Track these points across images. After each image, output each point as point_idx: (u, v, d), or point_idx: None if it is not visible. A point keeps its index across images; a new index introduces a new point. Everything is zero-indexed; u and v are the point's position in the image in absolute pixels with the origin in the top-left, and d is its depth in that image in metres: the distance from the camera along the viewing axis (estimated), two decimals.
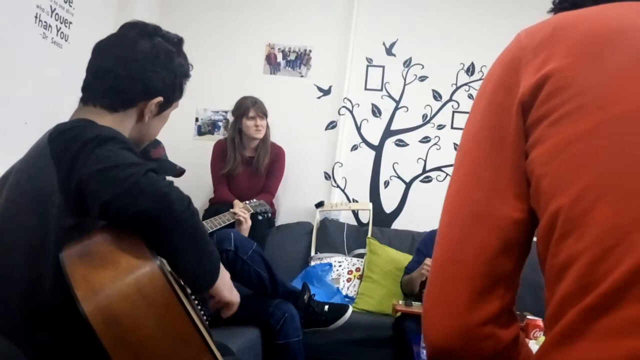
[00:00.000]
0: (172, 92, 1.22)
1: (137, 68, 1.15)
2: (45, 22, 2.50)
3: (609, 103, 0.55)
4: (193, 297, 1.12)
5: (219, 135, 3.53)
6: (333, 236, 3.25)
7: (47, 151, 0.97)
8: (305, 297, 2.33)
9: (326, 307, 2.36)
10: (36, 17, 2.43)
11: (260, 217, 2.81)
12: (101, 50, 1.19)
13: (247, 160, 3.19)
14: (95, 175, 0.88)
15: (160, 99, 1.18)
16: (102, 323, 0.73)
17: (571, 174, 0.55)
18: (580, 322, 0.51)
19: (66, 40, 2.67)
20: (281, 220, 3.40)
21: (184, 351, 0.75)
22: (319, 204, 3.38)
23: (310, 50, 3.58)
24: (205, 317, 1.04)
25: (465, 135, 0.65)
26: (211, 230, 2.34)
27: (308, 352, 2.29)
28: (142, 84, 1.16)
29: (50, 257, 0.84)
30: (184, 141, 3.48)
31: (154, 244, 0.86)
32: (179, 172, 2.25)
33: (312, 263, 3.09)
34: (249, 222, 2.60)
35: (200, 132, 3.61)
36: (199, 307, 1.03)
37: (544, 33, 0.61)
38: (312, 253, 3.18)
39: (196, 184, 3.26)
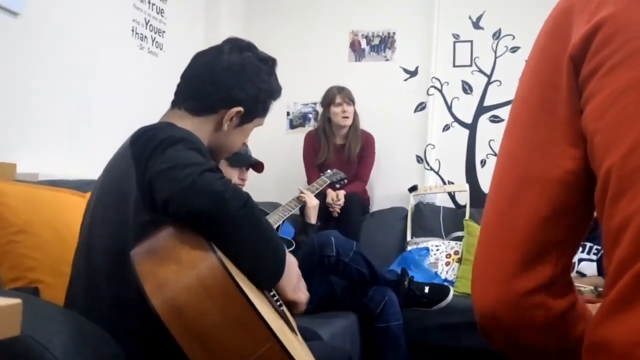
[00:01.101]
0: (254, 105, 1.25)
1: (222, 76, 1.21)
2: (141, 34, 2.68)
3: None
4: None
5: (310, 127, 3.60)
6: (429, 220, 3.20)
7: (129, 152, 1.05)
8: (405, 282, 2.32)
9: (427, 288, 2.35)
10: (133, 30, 2.62)
11: (337, 185, 2.88)
12: (196, 59, 1.27)
13: (339, 148, 3.24)
14: (159, 174, 0.94)
15: (240, 109, 1.22)
16: (168, 314, 0.79)
17: (623, 128, 0.50)
18: (635, 287, 0.47)
19: (161, 49, 2.84)
20: (375, 206, 3.40)
21: (247, 338, 0.79)
22: (413, 188, 3.33)
23: (394, 33, 3.53)
24: (279, 304, 1.07)
25: (516, 96, 0.62)
26: (282, 220, 2.40)
27: (407, 336, 2.28)
28: (225, 92, 1.21)
29: (131, 251, 0.92)
30: (277, 136, 3.58)
31: (213, 241, 0.89)
32: (255, 163, 2.27)
33: (409, 248, 3.06)
34: (314, 201, 2.63)
35: (292, 126, 3.70)
36: (272, 294, 1.06)
37: None
38: (408, 238, 3.15)
39: (292, 175, 3.36)
